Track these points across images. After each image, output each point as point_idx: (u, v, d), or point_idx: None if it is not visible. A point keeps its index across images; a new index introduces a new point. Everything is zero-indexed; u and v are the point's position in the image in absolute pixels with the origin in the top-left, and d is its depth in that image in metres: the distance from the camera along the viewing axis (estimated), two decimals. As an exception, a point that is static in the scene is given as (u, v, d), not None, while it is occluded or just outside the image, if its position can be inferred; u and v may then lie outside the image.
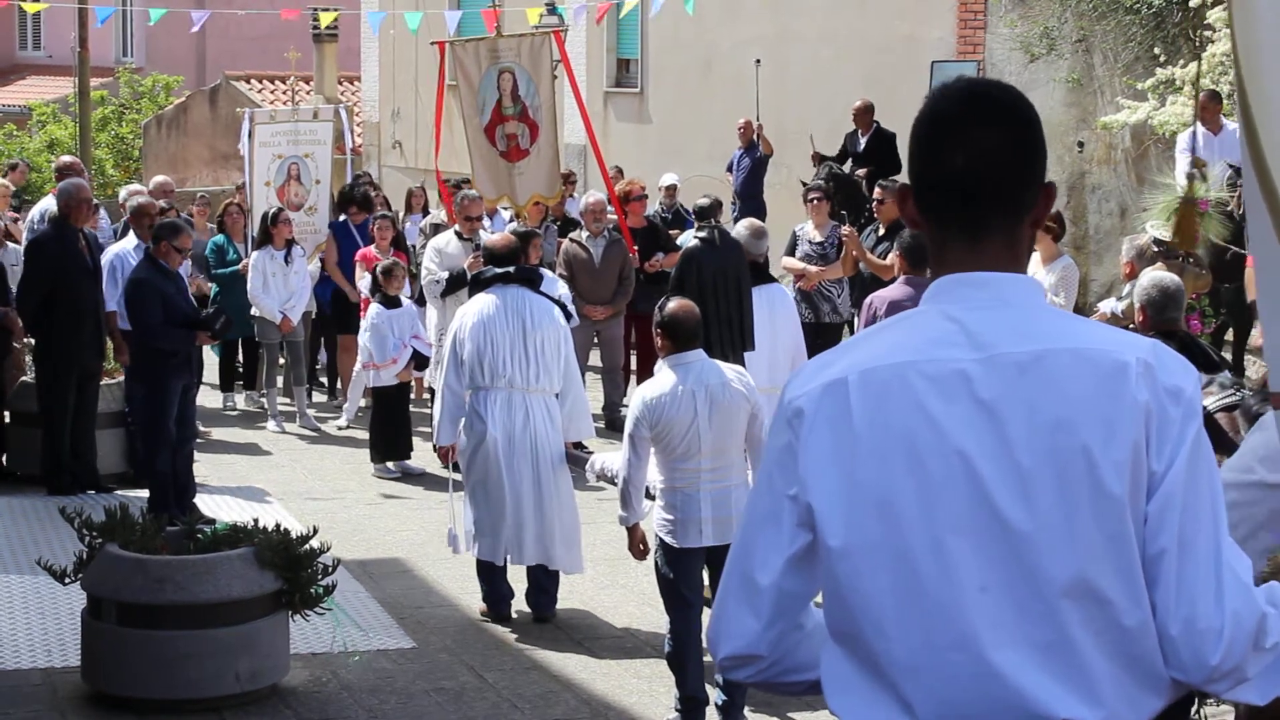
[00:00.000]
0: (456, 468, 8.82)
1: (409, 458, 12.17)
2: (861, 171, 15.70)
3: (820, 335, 12.90)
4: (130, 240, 12.08)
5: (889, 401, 2.40)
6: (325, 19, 22.34)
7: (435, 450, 9.03)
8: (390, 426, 12.13)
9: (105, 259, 11.88)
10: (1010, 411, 2.36)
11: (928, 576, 2.36)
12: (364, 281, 13.18)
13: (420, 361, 12.07)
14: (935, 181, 2.47)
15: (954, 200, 2.46)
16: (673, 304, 7.01)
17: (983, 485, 2.35)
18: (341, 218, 14.71)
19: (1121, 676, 2.35)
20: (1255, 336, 13.05)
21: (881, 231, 12.49)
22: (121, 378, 11.48)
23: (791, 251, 13.02)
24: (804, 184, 15.18)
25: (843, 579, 2.42)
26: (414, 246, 14.30)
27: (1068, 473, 2.34)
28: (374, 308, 12.22)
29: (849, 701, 2.45)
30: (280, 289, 13.62)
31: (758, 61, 17.40)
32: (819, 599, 2.52)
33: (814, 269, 12.81)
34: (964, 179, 2.44)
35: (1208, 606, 2.33)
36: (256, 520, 7.51)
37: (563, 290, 11.55)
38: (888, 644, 2.38)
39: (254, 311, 13.61)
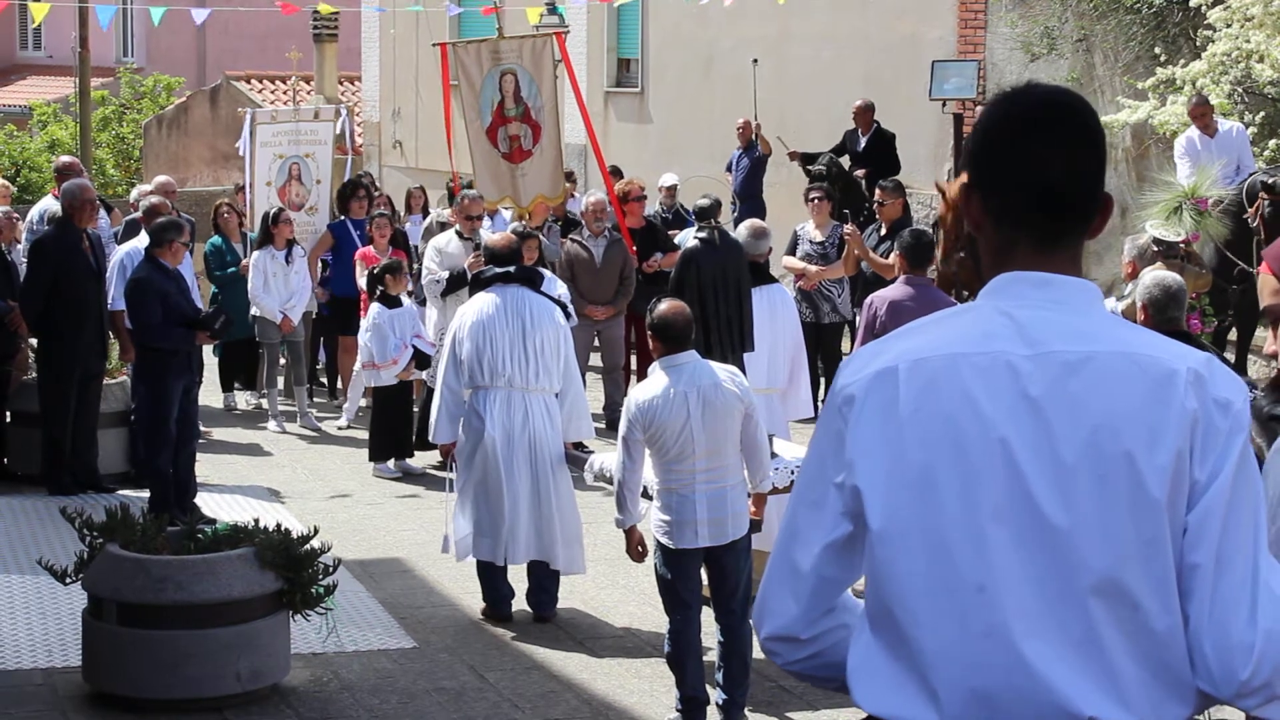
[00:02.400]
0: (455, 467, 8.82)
1: (412, 457, 12.18)
2: (861, 171, 15.70)
3: (821, 335, 12.92)
4: (143, 239, 12.07)
5: (937, 391, 2.42)
6: (325, 9, 22.26)
7: (430, 442, 9.06)
8: (391, 426, 12.13)
9: (116, 257, 11.92)
10: (1056, 409, 2.38)
11: (963, 563, 2.37)
12: (364, 280, 13.16)
13: (422, 361, 12.06)
14: (1021, 185, 2.47)
15: (1039, 204, 2.46)
16: (663, 305, 7.00)
17: (1022, 477, 2.37)
18: (340, 217, 14.66)
19: (1149, 681, 2.36)
20: (1259, 338, 13.06)
21: (883, 231, 12.50)
22: (123, 377, 11.50)
23: (792, 251, 13.03)
24: (807, 172, 15.18)
25: (881, 561, 2.44)
26: (416, 247, 14.28)
27: (1109, 474, 2.35)
28: (375, 307, 12.22)
29: (874, 688, 2.47)
30: (281, 289, 13.61)
31: (755, 61, 17.39)
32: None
33: (814, 269, 12.81)
34: (1056, 185, 2.45)
35: (1240, 622, 2.34)
36: (257, 520, 7.52)
37: (561, 290, 11.55)
38: (919, 629, 2.40)
39: (254, 311, 13.61)
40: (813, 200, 13.03)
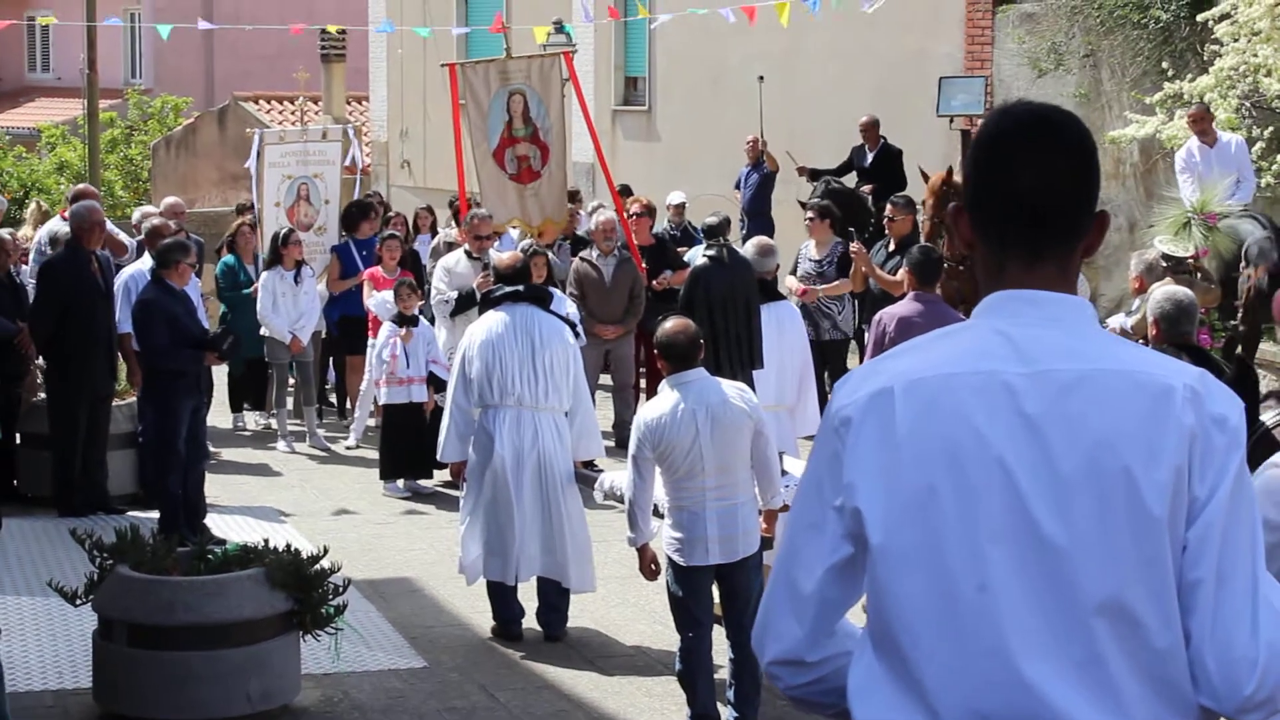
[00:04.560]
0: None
1: (427, 476, 12.16)
2: (867, 187, 15.69)
3: (821, 352, 12.89)
4: (145, 261, 12.08)
5: (934, 411, 2.41)
6: (334, 28, 22.30)
7: (439, 461, 9.06)
8: (401, 445, 12.12)
9: (120, 280, 11.91)
10: (1053, 427, 2.37)
11: (963, 584, 2.36)
12: (371, 300, 13.17)
13: (438, 385, 12.04)
14: (1001, 200, 2.48)
15: (1020, 220, 2.47)
16: (667, 324, 7.00)
17: (1021, 496, 2.35)
18: (342, 239, 14.63)
19: (1150, 698, 2.35)
20: (1264, 352, 13.03)
21: (892, 247, 12.49)
22: (133, 398, 11.49)
23: (794, 270, 13.04)
24: (801, 204, 15.19)
25: (881, 581, 2.43)
26: (425, 266, 14.27)
27: (1108, 492, 2.34)
28: (388, 326, 12.23)
29: (874, 707, 2.45)
30: (290, 309, 13.61)
31: (760, 78, 17.42)
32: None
33: (817, 288, 12.80)
34: (1033, 200, 2.45)
35: (1243, 637, 2.33)
36: (267, 540, 7.52)
37: (570, 309, 11.55)
38: (919, 650, 2.39)
39: (263, 331, 13.62)
40: (809, 221, 13.07)
